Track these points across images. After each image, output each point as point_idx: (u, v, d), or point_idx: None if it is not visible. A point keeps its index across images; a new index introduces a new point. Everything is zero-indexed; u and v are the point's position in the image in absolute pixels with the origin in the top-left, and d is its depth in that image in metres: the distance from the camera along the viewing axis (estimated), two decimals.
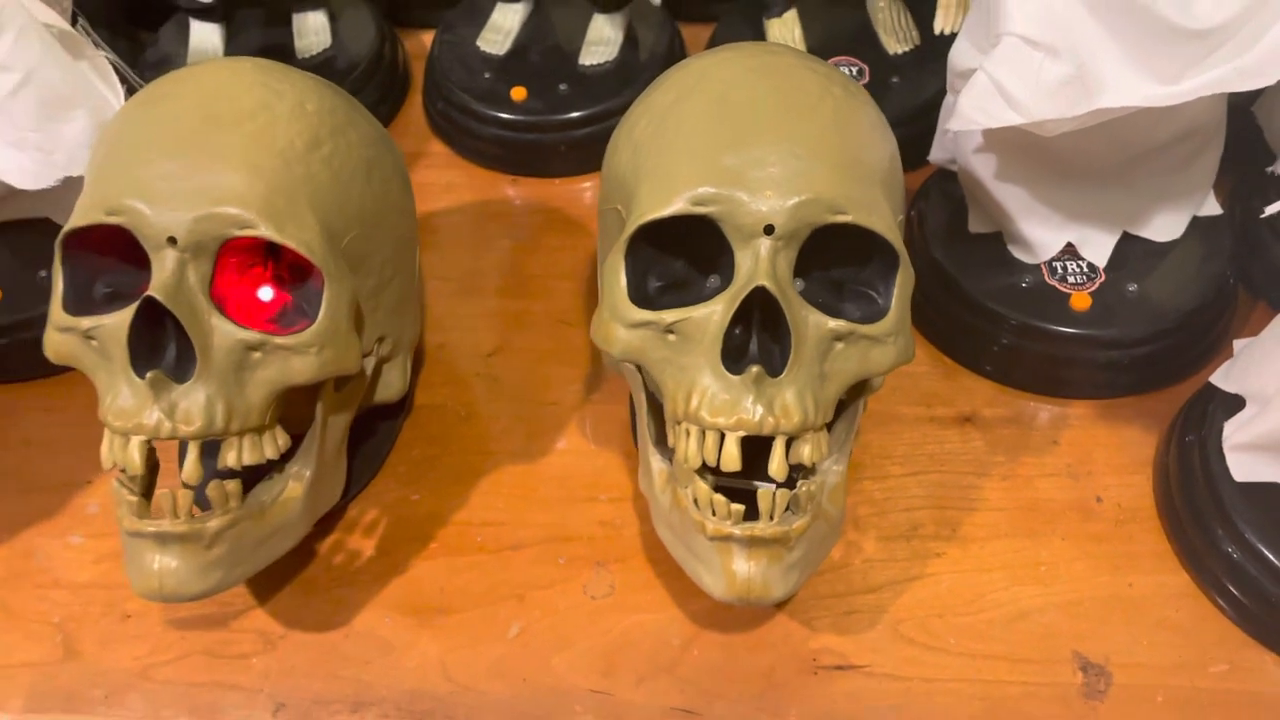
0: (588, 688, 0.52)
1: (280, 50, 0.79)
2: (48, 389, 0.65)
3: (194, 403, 0.47)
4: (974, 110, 0.52)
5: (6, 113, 0.57)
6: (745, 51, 0.51)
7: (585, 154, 0.75)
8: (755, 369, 0.44)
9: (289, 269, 0.51)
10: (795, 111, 0.47)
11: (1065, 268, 0.61)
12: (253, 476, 0.51)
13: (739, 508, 0.46)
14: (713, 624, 0.54)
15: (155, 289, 0.46)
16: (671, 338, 0.46)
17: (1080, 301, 0.59)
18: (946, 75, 0.59)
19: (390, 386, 0.58)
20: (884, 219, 0.46)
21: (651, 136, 0.49)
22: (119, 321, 0.47)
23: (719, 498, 0.46)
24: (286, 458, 0.52)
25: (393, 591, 0.56)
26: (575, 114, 0.74)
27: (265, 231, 0.47)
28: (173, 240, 0.46)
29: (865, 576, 0.55)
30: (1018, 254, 0.61)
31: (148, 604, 0.56)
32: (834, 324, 0.46)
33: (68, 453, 0.62)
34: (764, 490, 0.46)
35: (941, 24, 0.67)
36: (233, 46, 0.79)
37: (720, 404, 0.45)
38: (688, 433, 0.46)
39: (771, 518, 0.46)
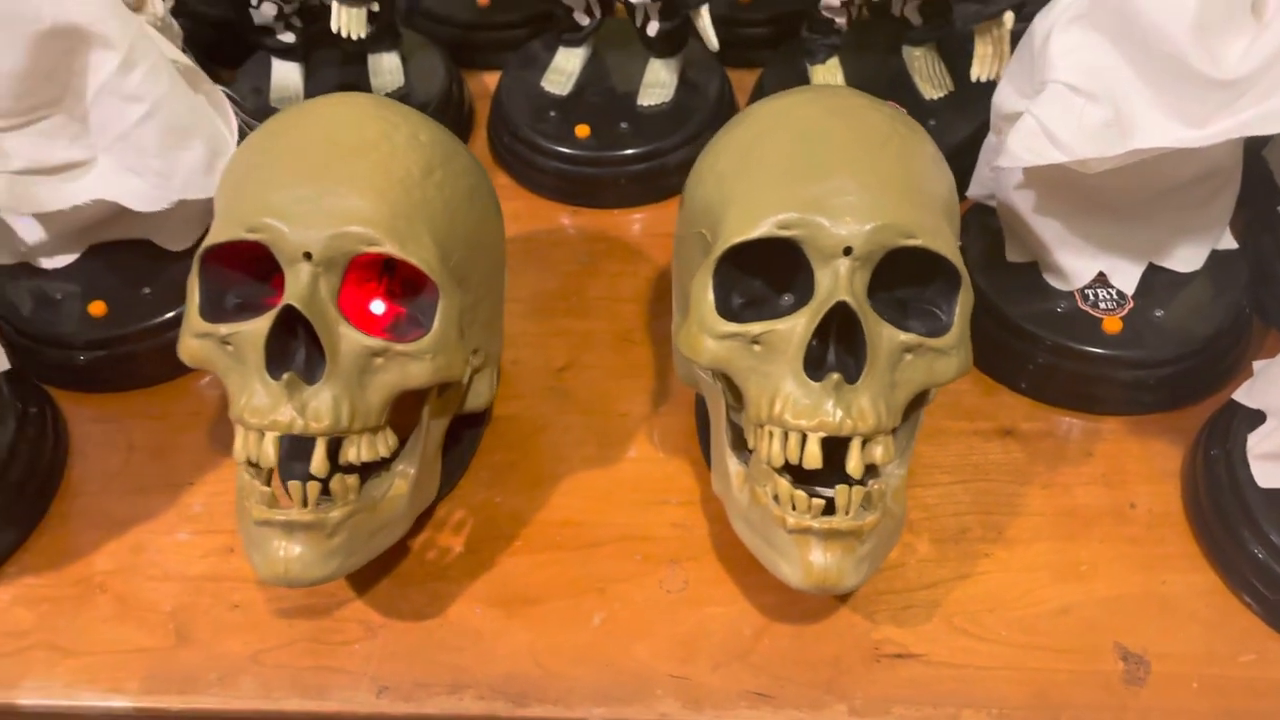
0: (668, 672, 0.56)
1: (357, 87, 0.84)
2: (148, 398, 0.70)
3: (323, 402, 0.51)
4: (1022, 149, 0.58)
5: (132, 140, 0.62)
6: (818, 94, 0.56)
7: (642, 187, 0.80)
8: (835, 376, 0.49)
9: (401, 284, 0.56)
10: (868, 147, 0.52)
11: (1097, 294, 0.66)
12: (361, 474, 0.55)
13: (819, 502, 0.50)
14: (781, 616, 0.58)
15: (293, 298, 0.51)
16: (757, 348, 0.51)
17: (1112, 325, 0.64)
18: (990, 117, 0.65)
19: (479, 396, 0.63)
20: (948, 243, 0.52)
21: (735, 168, 0.54)
22: (256, 328, 0.52)
23: (800, 493, 0.51)
24: (391, 458, 0.56)
25: (482, 585, 0.60)
26: (634, 150, 0.79)
27: (390, 249, 0.52)
28: (308, 255, 0.51)
29: (920, 574, 0.59)
30: (1053, 281, 0.67)
31: (254, 595, 0.60)
32: (904, 337, 0.51)
33: (170, 456, 0.67)
34: (841, 487, 0.51)
35: (978, 72, 0.73)
36: (312, 84, 0.84)
37: (802, 408, 0.50)
38: (770, 434, 0.51)
39: (847, 512, 0.51)
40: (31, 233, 0.70)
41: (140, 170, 0.64)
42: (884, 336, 0.51)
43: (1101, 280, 0.66)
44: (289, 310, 0.51)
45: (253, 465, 0.52)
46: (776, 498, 0.52)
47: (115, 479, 0.66)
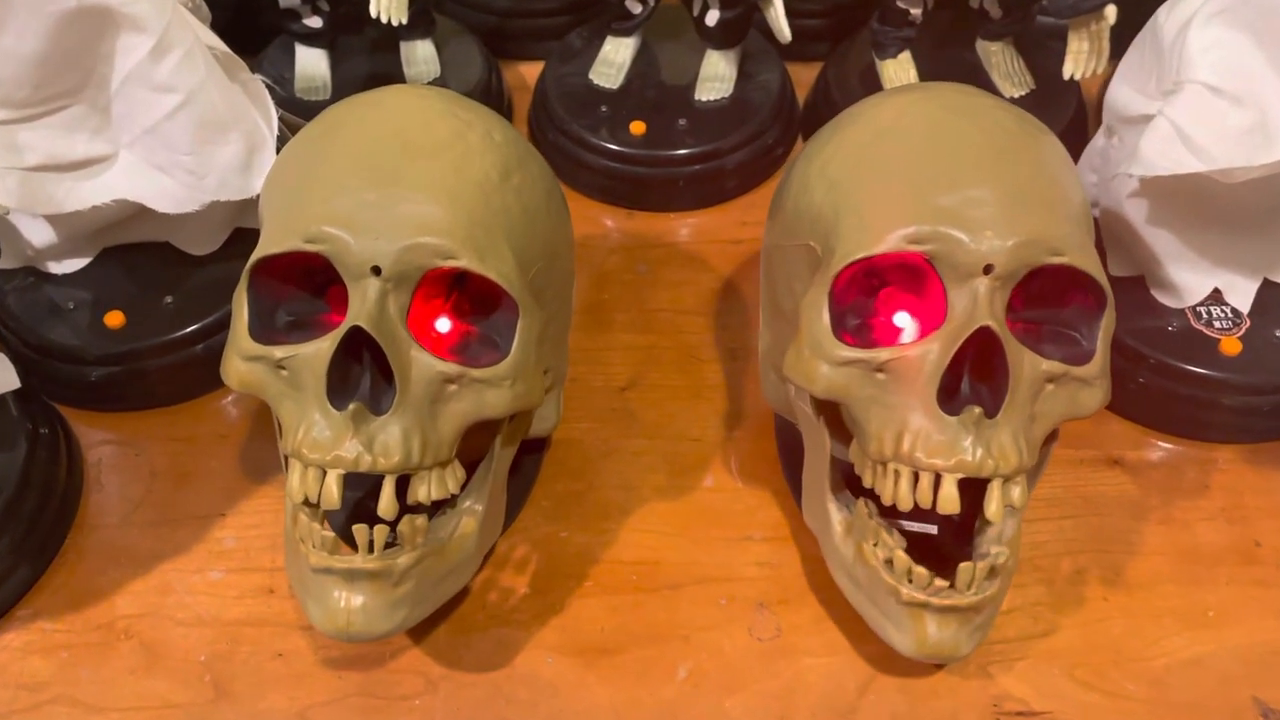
0: None
1: (389, 77, 0.78)
2: (170, 418, 0.64)
3: (391, 436, 0.45)
4: (1157, 155, 0.52)
5: (162, 135, 0.56)
6: (937, 92, 0.51)
7: (702, 189, 0.75)
8: (976, 410, 0.44)
9: (470, 301, 0.50)
10: (1003, 152, 0.47)
11: (1210, 312, 0.61)
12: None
13: (942, 583, 0.46)
14: (887, 668, 0.53)
15: (360, 319, 0.45)
16: (881, 376, 0.46)
17: (1231, 346, 0.59)
18: (1104, 118, 0.60)
19: (546, 420, 0.57)
20: (1095, 261, 0.46)
21: (851, 174, 0.48)
22: (317, 351, 0.45)
23: (920, 570, 0.46)
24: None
25: (552, 631, 0.54)
26: (695, 149, 0.73)
27: (467, 263, 0.46)
28: (376, 270, 0.45)
29: (1035, 621, 0.54)
30: (1161, 298, 0.62)
31: (299, 643, 0.54)
32: (1047, 365, 0.46)
33: (197, 484, 0.60)
34: (965, 565, 0.46)
35: (1072, 69, 0.68)
36: (340, 73, 0.78)
37: (936, 444, 0.45)
38: (897, 473, 0.46)
39: (969, 587, 0.46)
40: (40, 234, 0.63)
41: (169, 168, 0.57)
42: (1026, 364, 0.45)
43: (1216, 297, 0.61)
44: (355, 332, 0.45)
45: (309, 505, 0.47)
46: (889, 562, 0.47)
47: (137, 510, 0.59)
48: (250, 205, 0.64)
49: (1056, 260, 0.45)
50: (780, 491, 0.60)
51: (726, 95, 0.76)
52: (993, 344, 0.44)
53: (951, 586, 0.46)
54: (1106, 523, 0.58)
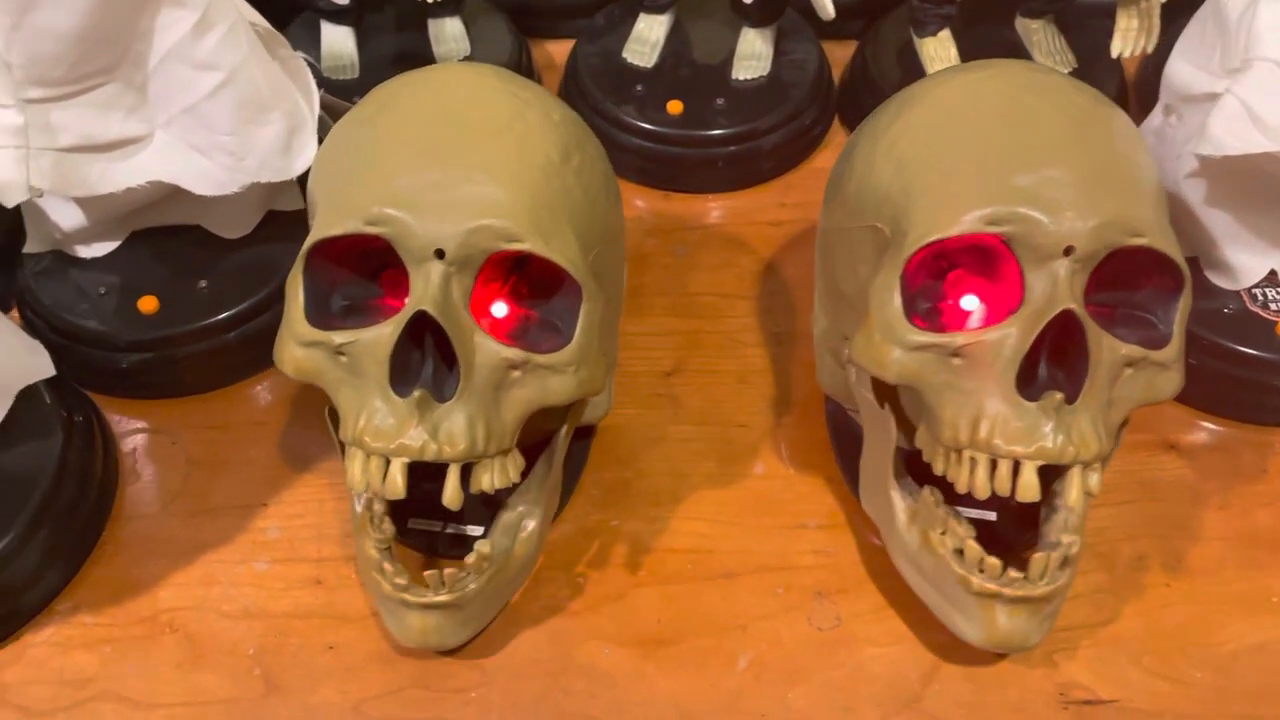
0: None
1: (418, 55, 0.76)
2: (205, 405, 0.62)
3: (455, 423, 0.44)
4: (1225, 134, 0.51)
5: (201, 114, 0.54)
6: (1007, 69, 0.49)
7: (740, 169, 0.73)
8: (1057, 396, 0.43)
9: (529, 285, 0.49)
10: (1079, 130, 0.46)
11: (1266, 295, 0.60)
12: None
13: (1016, 574, 0.45)
14: (951, 656, 0.52)
15: (425, 304, 0.43)
16: (956, 361, 0.45)
17: None
18: (1162, 96, 0.59)
19: (598, 407, 0.56)
20: (1174, 242, 0.45)
21: (921, 154, 0.47)
22: (378, 336, 0.44)
23: (992, 560, 0.45)
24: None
25: (608, 621, 0.53)
26: (733, 129, 0.72)
27: (531, 246, 0.44)
28: (439, 253, 0.44)
29: (1099, 608, 0.53)
30: (1216, 279, 0.61)
31: (350, 634, 0.53)
32: (1126, 349, 0.45)
33: (237, 473, 0.59)
34: (1038, 556, 0.45)
35: (1120, 48, 0.66)
36: (367, 51, 0.76)
37: (1015, 431, 0.44)
38: (973, 461, 0.45)
39: (1042, 577, 0.45)
40: (69, 217, 0.62)
41: (207, 149, 0.55)
42: (1105, 349, 0.44)
43: (1272, 279, 0.60)
44: (418, 317, 0.43)
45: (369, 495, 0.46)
46: (959, 552, 0.46)
47: (175, 500, 0.58)
48: (283, 187, 0.62)
49: (1136, 242, 0.44)
50: (833, 478, 0.58)
51: (764, 74, 0.75)
52: (1073, 328, 0.43)
53: (1024, 578, 0.46)
54: (1165, 508, 0.57)
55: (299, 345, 0.46)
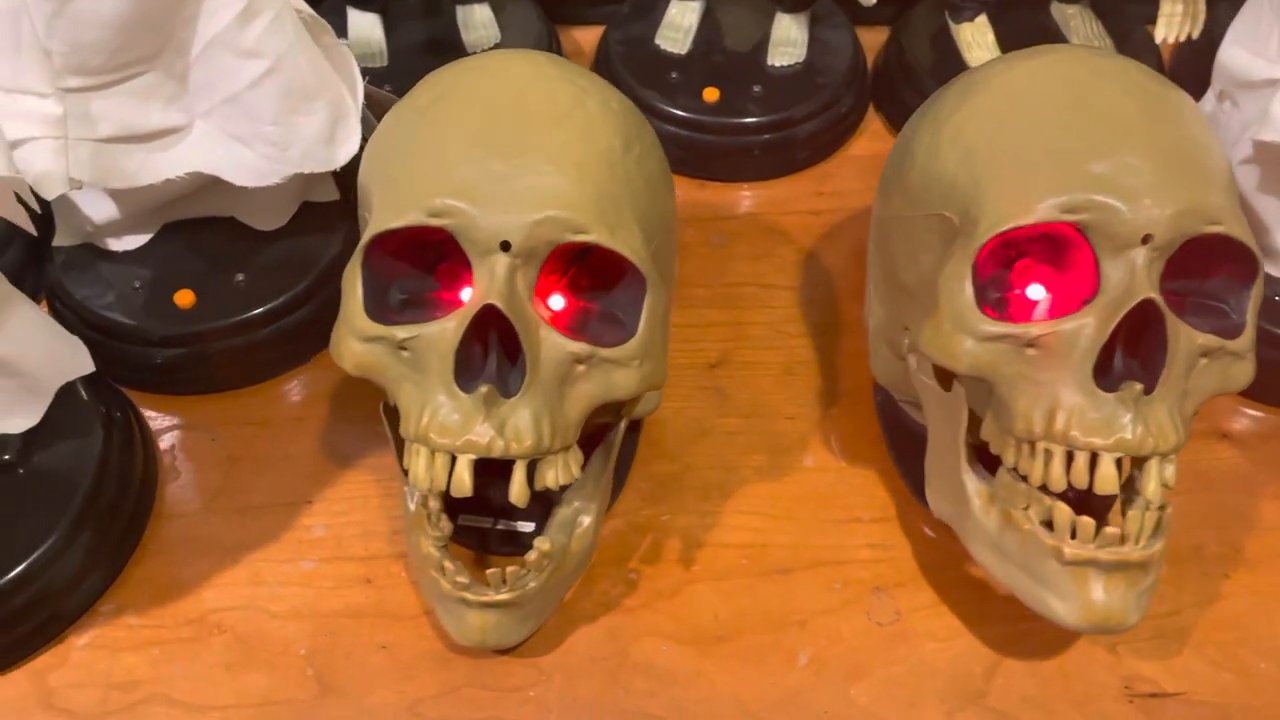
0: None
1: (446, 43, 0.75)
2: (242, 401, 0.61)
3: (522, 419, 0.43)
4: None
5: (244, 104, 0.53)
6: (1073, 53, 0.49)
7: (775, 157, 0.72)
8: (1137, 386, 0.42)
9: (589, 276, 0.48)
10: (1151, 115, 0.45)
11: None
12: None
13: (1112, 530, 0.43)
14: (1012, 650, 0.51)
15: (492, 297, 0.42)
16: (1031, 352, 0.44)
17: None
18: (1214, 82, 0.58)
19: (650, 401, 0.55)
20: (1247, 229, 0.45)
21: (989, 142, 0.46)
22: (443, 331, 0.43)
23: (1085, 519, 0.44)
24: None
25: (663, 618, 0.53)
26: (770, 116, 0.71)
27: (597, 237, 0.43)
28: (505, 245, 0.43)
29: (1160, 599, 0.52)
30: (1269, 267, 0.60)
31: (403, 633, 0.52)
32: (1202, 339, 0.44)
33: (279, 470, 0.58)
34: (1133, 513, 0.44)
35: (1165, 33, 0.66)
36: (395, 38, 0.75)
37: (1092, 422, 0.43)
38: (1048, 453, 0.44)
39: (1138, 541, 0.44)
40: (100, 209, 0.60)
41: (248, 138, 0.54)
42: (1183, 338, 0.44)
43: None
44: (485, 311, 0.42)
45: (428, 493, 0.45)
46: (1048, 523, 0.45)
47: (217, 498, 0.57)
48: (318, 178, 0.61)
49: (1214, 229, 0.43)
50: (885, 471, 0.58)
51: (800, 60, 0.74)
52: (1152, 317, 0.43)
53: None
54: (1221, 498, 0.56)
55: (359, 340, 0.44)
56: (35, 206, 0.47)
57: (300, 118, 0.53)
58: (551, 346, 0.44)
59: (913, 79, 0.74)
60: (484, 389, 0.42)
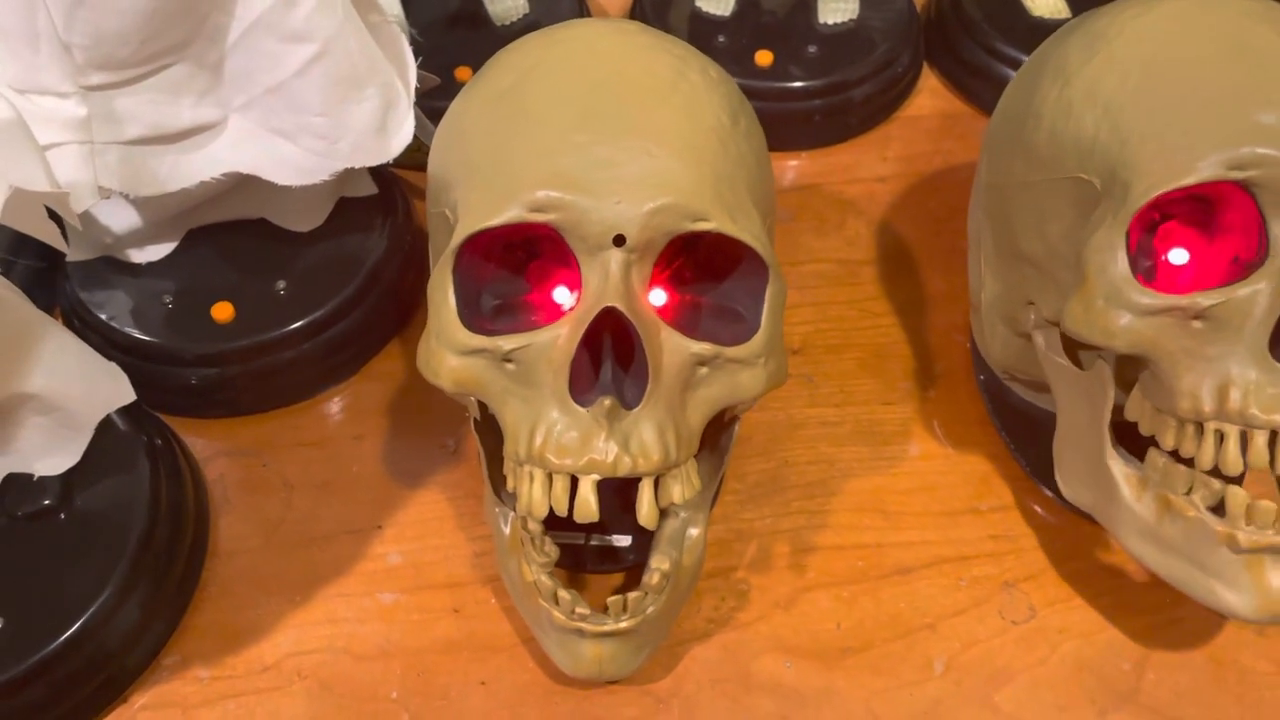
0: None
1: (473, 17, 0.69)
2: (292, 421, 0.56)
3: (646, 432, 0.39)
4: None
5: (288, 94, 0.47)
6: None
7: (833, 122, 0.68)
8: None
9: (694, 267, 0.43)
10: None
11: None
12: None
13: None
14: (1159, 643, 0.48)
15: (611, 298, 0.38)
16: (1198, 324, 0.40)
17: None
18: None
19: None
20: None
21: (1133, 95, 0.42)
22: (554, 339, 0.38)
23: (1265, 504, 0.40)
24: None
25: (782, 631, 0.49)
26: (830, 79, 0.66)
27: (719, 224, 0.39)
28: (619, 239, 0.38)
29: None
30: None
31: (502, 666, 0.47)
32: None
33: (341, 495, 0.53)
34: None
35: None
36: (415, 11, 0.69)
37: (1271, 399, 0.39)
38: (1219, 433, 0.40)
39: None
40: (120, 218, 0.55)
41: (293, 132, 0.49)
42: None
43: None
44: (604, 314, 0.38)
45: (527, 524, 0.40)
46: (1217, 509, 0.41)
47: (278, 529, 0.52)
48: (354, 171, 0.56)
49: None
50: (995, 455, 0.54)
51: (853, 17, 0.69)
52: None
53: None
54: None
55: (457, 355, 0.40)
56: (76, 222, 0.42)
57: (351, 106, 0.48)
58: (674, 349, 0.39)
59: (973, 29, 0.69)
60: (606, 401, 0.38)
